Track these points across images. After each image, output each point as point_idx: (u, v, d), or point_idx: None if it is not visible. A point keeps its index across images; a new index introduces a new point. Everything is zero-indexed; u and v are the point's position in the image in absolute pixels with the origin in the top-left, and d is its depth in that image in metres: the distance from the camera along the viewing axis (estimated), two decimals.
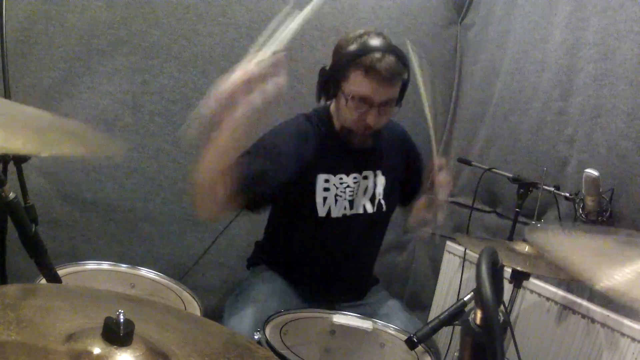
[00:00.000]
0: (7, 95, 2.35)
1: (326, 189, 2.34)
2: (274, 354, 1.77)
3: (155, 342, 1.02)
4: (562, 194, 2.68)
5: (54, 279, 1.52)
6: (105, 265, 2.21)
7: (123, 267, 2.23)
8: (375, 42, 2.18)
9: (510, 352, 2.70)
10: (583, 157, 2.81)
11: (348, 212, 2.40)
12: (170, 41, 3.00)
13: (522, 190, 2.80)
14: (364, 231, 2.48)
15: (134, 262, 2.29)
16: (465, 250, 3.40)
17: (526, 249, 2.45)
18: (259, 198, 2.15)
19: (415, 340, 1.55)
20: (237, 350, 1.16)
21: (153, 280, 2.21)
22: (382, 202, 2.48)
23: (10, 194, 1.41)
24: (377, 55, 2.13)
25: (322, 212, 2.34)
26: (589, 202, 2.55)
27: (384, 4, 3.50)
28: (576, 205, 2.65)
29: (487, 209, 3.48)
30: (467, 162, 3.32)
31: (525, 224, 2.84)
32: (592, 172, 2.45)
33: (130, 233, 3.11)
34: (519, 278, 2.53)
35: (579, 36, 2.91)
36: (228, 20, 3.09)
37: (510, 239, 2.83)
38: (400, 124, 2.72)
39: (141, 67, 2.97)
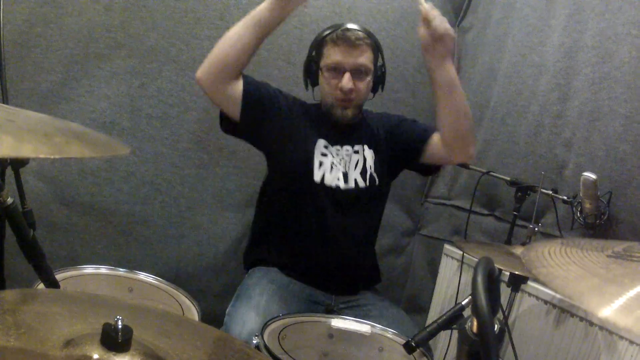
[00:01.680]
0: (4, 98, 2.35)
1: (324, 154, 2.52)
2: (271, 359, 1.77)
3: (153, 348, 1.02)
4: (560, 197, 2.69)
5: (52, 283, 1.52)
6: (103, 270, 2.21)
7: (121, 272, 2.23)
8: (342, 23, 2.47)
9: (508, 356, 2.70)
10: (581, 160, 2.81)
11: (342, 184, 2.51)
12: (168, 44, 3.00)
13: (520, 193, 2.80)
14: (358, 207, 2.57)
15: (132, 266, 2.29)
16: (463, 254, 3.40)
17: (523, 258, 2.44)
18: (253, 102, 2.45)
19: (414, 344, 1.55)
20: (235, 356, 1.16)
21: (151, 284, 2.21)
22: (375, 175, 2.57)
23: (8, 199, 1.41)
24: (344, 28, 2.42)
25: (317, 176, 2.48)
26: (587, 205, 2.55)
27: (382, 7, 3.50)
28: (574, 208, 2.65)
29: (485, 212, 3.48)
30: (465, 166, 3.32)
31: (523, 227, 2.84)
32: (590, 175, 2.45)
33: (128, 237, 3.11)
34: (516, 281, 2.53)
35: (577, 39, 2.91)
36: (226, 24, 3.09)
37: (508, 242, 2.83)
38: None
39: (139, 70, 2.97)
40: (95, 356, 0.93)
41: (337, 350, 2.01)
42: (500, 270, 2.73)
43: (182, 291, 2.17)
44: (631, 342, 2.44)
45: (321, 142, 2.53)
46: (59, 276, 1.93)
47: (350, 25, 2.44)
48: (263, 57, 3.20)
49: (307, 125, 2.56)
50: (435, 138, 2.57)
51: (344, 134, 2.57)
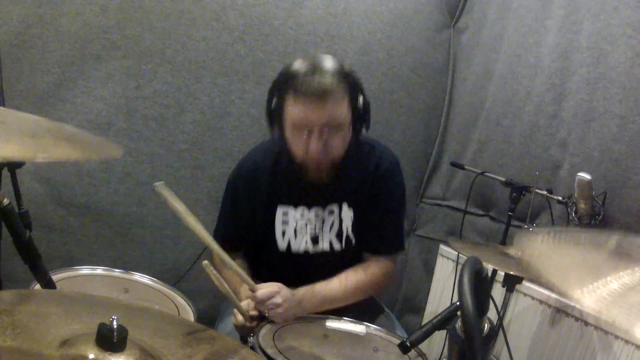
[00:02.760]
0: (1, 100, 2.36)
1: (285, 222, 2.30)
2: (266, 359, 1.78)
3: (148, 348, 1.02)
4: (555, 197, 2.69)
5: (49, 284, 1.52)
6: (99, 270, 2.21)
7: (117, 272, 2.23)
8: (307, 63, 2.04)
9: (503, 356, 2.70)
10: (576, 160, 2.81)
11: (311, 248, 2.33)
12: (163, 46, 3.00)
13: (514, 194, 2.80)
14: (334, 269, 2.29)
15: (128, 267, 2.29)
16: (458, 254, 3.40)
17: (519, 253, 2.45)
18: (233, 239, 2.33)
19: (408, 345, 1.55)
20: (230, 356, 1.16)
21: (147, 285, 2.21)
22: (351, 236, 2.34)
23: (4, 200, 1.41)
24: (306, 75, 1.98)
25: (282, 245, 2.32)
26: (582, 205, 2.56)
27: (377, 9, 3.51)
28: (569, 208, 2.66)
29: (480, 212, 3.49)
30: (460, 166, 3.33)
31: (518, 227, 2.85)
32: (585, 175, 2.45)
33: (124, 238, 3.11)
34: (511, 282, 2.54)
35: (572, 40, 2.92)
36: (221, 25, 3.10)
37: (503, 242, 2.84)
38: (394, 154, 2.42)
39: (135, 71, 2.97)
40: (91, 356, 0.94)
41: (332, 351, 2.01)
42: (495, 271, 2.74)
43: (177, 292, 2.17)
44: (627, 342, 2.45)
45: (280, 211, 2.30)
46: (55, 277, 1.93)
47: (317, 70, 2.01)
48: (258, 58, 3.21)
49: (265, 192, 2.30)
50: (374, 259, 2.37)
51: (311, 194, 2.30)
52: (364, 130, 2.22)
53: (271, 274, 2.20)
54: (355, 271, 2.30)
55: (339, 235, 2.33)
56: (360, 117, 2.13)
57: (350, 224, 2.32)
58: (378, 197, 2.33)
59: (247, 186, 2.31)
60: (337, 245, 2.34)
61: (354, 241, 2.34)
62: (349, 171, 2.26)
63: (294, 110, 2.01)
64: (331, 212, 2.31)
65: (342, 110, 2.04)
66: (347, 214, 2.31)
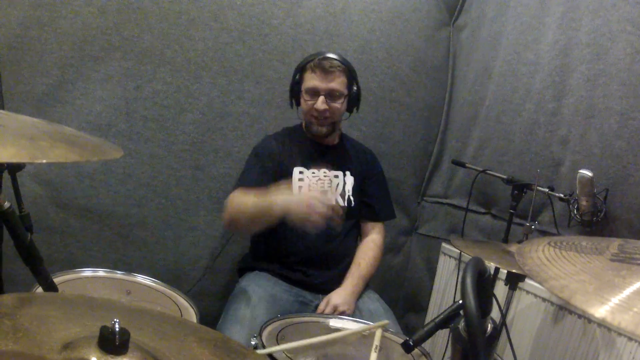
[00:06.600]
0: (0, 102, 2.35)
1: (301, 179, 2.83)
2: None
3: (151, 350, 1.02)
4: (557, 194, 2.68)
5: (50, 287, 1.52)
6: (101, 273, 2.21)
7: (119, 274, 2.23)
8: (320, 52, 2.84)
9: (506, 354, 2.70)
10: (577, 157, 2.81)
11: None
12: (162, 46, 3.00)
13: (516, 191, 2.80)
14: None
15: (130, 269, 2.30)
16: (460, 253, 3.40)
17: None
18: (256, 184, 2.70)
19: (411, 344, 1.55)
20: (232, 357, 1.16)
21: (149, 286, 2.21)
22: (352, 198, 2.92)
23: (5, 203, 1.41)
24: (322, 57, 2.75)
25: None
26: (584, 202, 2.55)
27: (375, 7, 3.50)
28: (570, 205, 2.65)
29: (482, 210, 3.48)
30: (461, 164, 3.33)
31: (520, 225, 2.84)
32: (586, 172, 2.45)
33: (125, 239, 3.11)
34: (514, 280, 2.53)
35: (571, 37, 2.91)
36: (220, 25, 3.09)
37: (505, 240, 2.83)
38: (372, 150, 3.19)
39: (134, 72, 2.97)
40: (93, 359, 0.93)
41: (336, 350, 2.00)
42: (497, 269, 2.73)
43: (179, 293, 2.18)
44: (630, 339, 2.44)
45: (296, 170, 2.84)
46: (57, 279, 1.93)
47: (328, 54, 2.77)
48: (258, 57, 3.20)
49: (286, 157, 2.88)
50: (370, 226, 3.03)
51: (320, 158, 2.91)
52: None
53: (288, 226, 2.58)
54: (367, 247, 2.97)
55: (342, 195, 2.90)
56: (353, 98, 2.87)
57: (351, 188, 2.93)
58: (370, 174, 3.05)
59: (270, 150, 2.88)
60: (340, 202, 2.88)
61: (353, 202, 2.91)
62: (347, 148, 3.04)
63: (309, 80, 2.75)
64: (336, 176, 2.91)
65: (342, 84, 2.76)
66: (349, 179, 2.94)
